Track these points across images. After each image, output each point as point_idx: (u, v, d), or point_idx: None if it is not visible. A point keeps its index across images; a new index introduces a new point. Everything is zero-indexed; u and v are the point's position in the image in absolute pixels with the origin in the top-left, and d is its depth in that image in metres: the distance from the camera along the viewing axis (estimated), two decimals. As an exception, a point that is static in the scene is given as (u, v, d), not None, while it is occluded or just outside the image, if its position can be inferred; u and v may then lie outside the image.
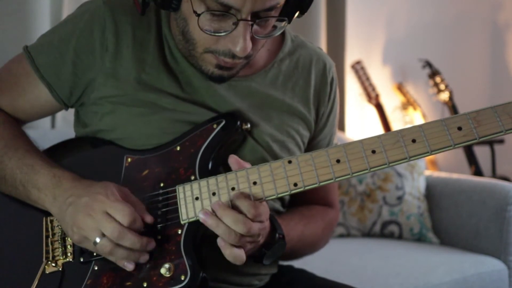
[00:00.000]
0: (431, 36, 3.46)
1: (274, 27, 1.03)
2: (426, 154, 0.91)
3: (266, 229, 1.00)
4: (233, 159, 0.98)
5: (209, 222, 0.93)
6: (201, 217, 0.94)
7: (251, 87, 1.12)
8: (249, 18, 0.95)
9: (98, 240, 0.94)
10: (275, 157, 1.10)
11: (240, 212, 0.93)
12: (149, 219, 0.98)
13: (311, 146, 1.20)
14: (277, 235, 1.03)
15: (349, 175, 0.93)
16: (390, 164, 0.92)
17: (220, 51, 1.00)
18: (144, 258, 0.96)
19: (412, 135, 0.92)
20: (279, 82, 1.15)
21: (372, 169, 0.92)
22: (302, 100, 1.17)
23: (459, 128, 0.90)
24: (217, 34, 0.98)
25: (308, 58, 1.20)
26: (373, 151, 0.92)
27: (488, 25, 3.72)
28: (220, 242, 0.95)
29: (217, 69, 1.04)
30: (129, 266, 0.96)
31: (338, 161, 0.93)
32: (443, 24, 3.53)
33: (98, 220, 0.93)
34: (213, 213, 0.94)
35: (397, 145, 0.92)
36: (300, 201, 1.22)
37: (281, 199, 1.19)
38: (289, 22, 1.03)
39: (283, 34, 1.20)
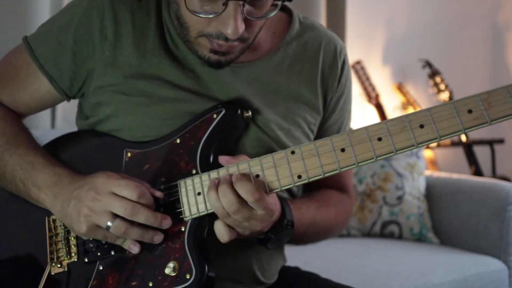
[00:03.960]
0: (431, 36, 3.46)
1: (275, 6, 0.99)
2: (435, 140, 0.86)
3: (273, 219, 0.97)
4: (223, 159, 0.96)
5: (209, 192, 0.92)
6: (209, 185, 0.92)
7: (255, 73, 1.09)
8: None
9: (110, 223, 0.91)
10: (281, 145, 1.07)
11: (238, 195, 0.90)
12: (158, 194, 0.95)
13: (321, 132, 1.17)
14: (285, 221, 1.00)
15: (354, 164, 0.89)
16: (397, 152, 0.87)
17: (213, 34, 0.96)
18: (159, 237, 0.94)
19: (420, 119, 0.87)
20: (284, 66, 1.11)
21: (378, 158, 0.88)
22: (308, 85, 1.13)
23: (469, 111, 0.85)
24: (206, 16, 0.94)
25: (317, 41, 1.15)
26: (379, 139, 0.88)
27: (488, 25, 3.72)
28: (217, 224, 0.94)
29: (212, 53, 1.00)
30: (135, 249, 0.94)
31: (343, 150, 0.89)
32: (443, 24, 3.52)
33: (105, 202, 0.91)
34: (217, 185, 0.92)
35: (404, 131, 0.87)
36: (314, 186, 1.18)
37: (288, 190, 1.14)
38: (285, 0, 0.99)
39: (290, 16, 1.16)
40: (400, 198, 2.32)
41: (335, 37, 1.19)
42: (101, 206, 0.91)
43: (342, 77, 1.18)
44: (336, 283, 1.20)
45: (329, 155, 0.90)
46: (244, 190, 0.90)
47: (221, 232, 0.94)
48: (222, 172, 0.95)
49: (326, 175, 0.90)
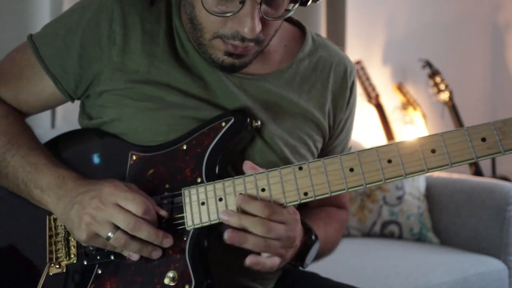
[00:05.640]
0: (431, 36, 3.46)
1: (287, 11, 0.98)
2: (446, 166, 0.84)
3: (301, 232, 0.96)
4: (248, 165, 0.94)
5: (236, 235, 0.90)
6: (228, 235, 0.90)
7: (265, 87, 1.08)
8: None
9: (111, 234, 0.90)
10: (286, 161, 1.05)
11: (252, 215, 0.89)
12: (163, 213, 0.94)
13: (325, 152, 1.16)
14: (313, 236, 1.00)
15: (362, 185, 0.87)
16: (407, 176, 0.85)
17: (229, 35, 0.95)
18: (157, 253, 0.93)
19: (432, 144, 0.85)
20: (295, 83, 1.10)
21: (387, 181, 0.86)
22: (317, 104, 1.12)
23: (483, 139, 0.83)
24: (223, 15, 0.93)
25: (328, 60, 1.15)
26: (389, 161, 0.86)
27: (488, 25, 3.72)
28: (251, 259, 0.92)
29: (227, 56, 0.99)
30: (134, 256, 0.93)
31: (351, 170, 0.87)
32: (443, 24, 3.52)
33: (109, 212, 0.90)
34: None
35: (415, 155, 0.85)
36: (315, 203, 1.17)
37: None
38: (302, 5, 0.98)
39: (303, 33, 1.16)
40: (400, 198, 2.32)
41: (346, 57, 1.18)
42: (104, 216, 0.90)
43: (351, 98, 1.17)
44: (336, 282, 1.20)
45: (337, 173, 0.88)
46: (256, 210, 0.89)
47: (268, 266, 0.93)
48: (227, 183, 0.93)
49: (333, 194, 0.89)
